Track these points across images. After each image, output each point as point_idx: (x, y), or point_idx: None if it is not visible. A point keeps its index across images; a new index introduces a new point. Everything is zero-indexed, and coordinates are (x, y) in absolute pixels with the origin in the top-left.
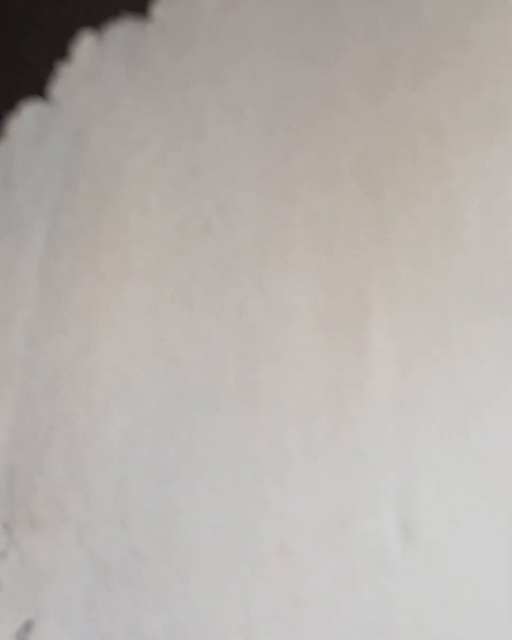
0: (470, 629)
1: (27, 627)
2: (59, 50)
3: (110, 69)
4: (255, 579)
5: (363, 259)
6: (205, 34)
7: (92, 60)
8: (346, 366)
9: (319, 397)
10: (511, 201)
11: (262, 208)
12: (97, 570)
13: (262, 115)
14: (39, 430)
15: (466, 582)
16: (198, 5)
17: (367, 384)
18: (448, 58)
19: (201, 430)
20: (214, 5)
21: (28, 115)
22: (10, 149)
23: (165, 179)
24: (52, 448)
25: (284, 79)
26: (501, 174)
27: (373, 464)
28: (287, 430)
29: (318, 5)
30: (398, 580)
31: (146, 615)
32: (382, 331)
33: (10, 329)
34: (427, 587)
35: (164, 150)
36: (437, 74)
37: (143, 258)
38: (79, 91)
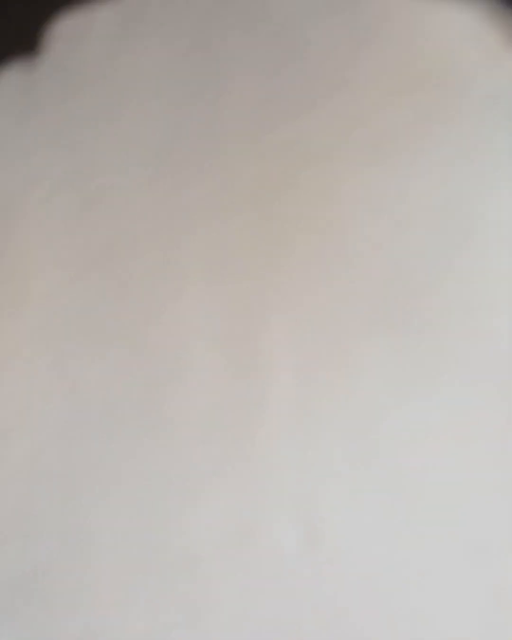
0: (368, 625)
1: None
2: None
3: (1, 110)
4: (162, 588)
5: (256, 282)
6: (96, 75)
7: None
8: (246, 384)
9: (221, 414)
10: (394, 223)
11: (156, 238)
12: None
13: (154, 151)
14: None
15: (365, 582)
16: (88, 47)
17: (267, 400)
18: (328, 92)
19: (107, 449)
20: (103, 47)
21: None
22: None
23: (61, 213)
24: None
25: (174, 116)
26: (383, 197)
27: (275, 476)
28: (192, 446)
29: (203, 43)
30: (300, 585)
31: (58, 626)
32: (280, 350)
33: None
34: (329, 590)
35: (59, 185)
36: (318, 107)
37: (39, 288)
38: None
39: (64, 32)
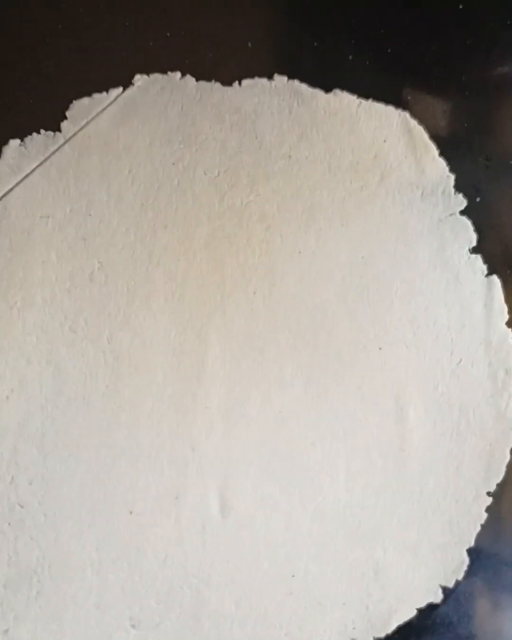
0: (266, 576)
1: None
2: None
3: (28, 165)
4: (108, 531)
5: (205, 308)
6: (99, 143)
7: (15, 158)
8: (187, 383)
9: (166, 404)
10: (319, 274)
11: (133, 268)
12: None
13: (137, 202)
14: None
15: (266, 543)
16: (95, 123)
17: (202, 397)
18: (278, 169)
19: (77, 421)
20: (106, 124)
21: None
22: None
23: (62, 243)
24: None
25: (155, 177)
26: (313, 254)
27: (202, 456)
28: (141, 426)
29: (183, 128)
30: (216, 540)
31: (24, 550)
32: (216, 360)
33: None
34: (238, 547)
35: (62, 222)
36: (269, 180)
37: (42, 297)
38: (4, 179)
39: (78, 112)
